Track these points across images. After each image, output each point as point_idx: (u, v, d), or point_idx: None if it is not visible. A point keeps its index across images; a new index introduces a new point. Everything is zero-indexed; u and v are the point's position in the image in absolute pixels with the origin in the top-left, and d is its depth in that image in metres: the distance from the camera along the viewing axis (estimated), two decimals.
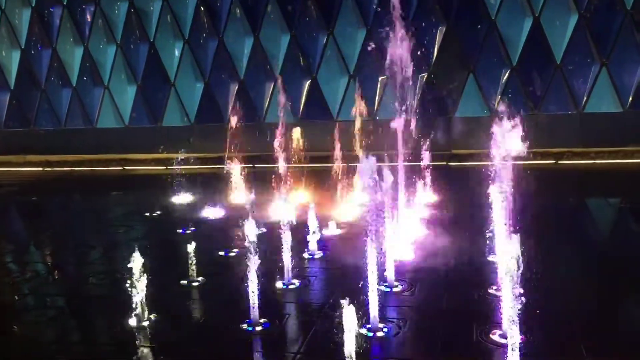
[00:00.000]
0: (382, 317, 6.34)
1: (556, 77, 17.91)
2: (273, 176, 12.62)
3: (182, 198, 13.74)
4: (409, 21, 18.14)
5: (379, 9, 18.57)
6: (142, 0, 20.87)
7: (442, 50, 18.38)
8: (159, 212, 12.71)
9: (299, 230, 8.80)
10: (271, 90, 19.95)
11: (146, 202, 14.11)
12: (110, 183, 18.50)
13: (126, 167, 20.41)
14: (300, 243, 8.77)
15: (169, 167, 18.76)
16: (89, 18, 21.54)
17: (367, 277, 6.22)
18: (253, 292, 6.44)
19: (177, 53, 20.89)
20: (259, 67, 20.02)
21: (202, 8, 20.40)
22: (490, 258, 8.09)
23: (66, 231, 12.09)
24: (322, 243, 9.22)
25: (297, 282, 7.69)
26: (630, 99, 17.58)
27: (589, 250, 9.18)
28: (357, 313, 5.32)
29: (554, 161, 17.28)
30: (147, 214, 12.62)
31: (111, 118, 21.74)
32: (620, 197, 13.01)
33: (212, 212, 12.16)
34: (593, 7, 17.47)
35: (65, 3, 21.55)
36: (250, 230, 6.56)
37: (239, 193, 13.33)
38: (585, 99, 17.89)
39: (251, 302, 6.45)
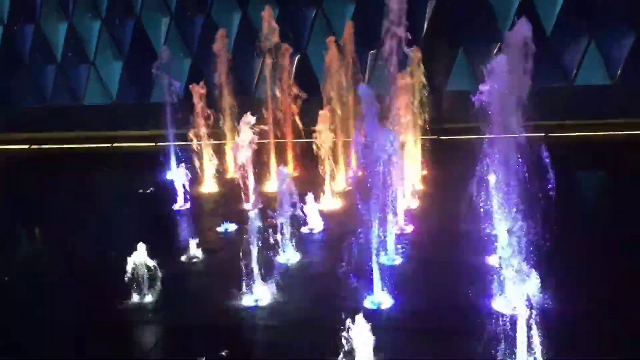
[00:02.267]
0: None
1: (546, 51, 17.89)
2: None
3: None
4: None
5: None
6: None
7: (432, 24, 18.27)
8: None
9: None
10: (260, 65, 19.75)
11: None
12: (101, 160, 18.30)
13: (115, 144, 20.18)
14: None
15: (157, 144, 18.66)
16: None
17: None
18: None
19: (163, 28, 20.58)
20: (248, 42, 19.76)
21: None
22: None
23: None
24: None
25: None
26: (619, 72, 17.66)
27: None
28: None
29: (543, 134, 17.36)
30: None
31: (98, 94, 21.46)
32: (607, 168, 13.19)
33: None
34: None
35: None
36: None
37: None
38: (574, 71, 17.94)
39: None
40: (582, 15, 17.44)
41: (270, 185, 11.92)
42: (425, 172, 12.35)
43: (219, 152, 13.49)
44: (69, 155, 19.24)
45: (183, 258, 8.44)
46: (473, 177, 7.37)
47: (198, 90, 13.16)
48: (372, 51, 18.40)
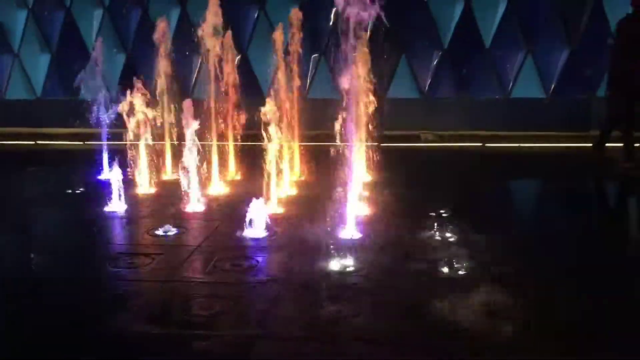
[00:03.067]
0: None
1: (485, 62, 18.26)
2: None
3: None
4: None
5: None
6: None
7: (375, 32, 18.21)
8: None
9: None
10: (198, 65, 19.12)
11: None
12: (25, 158, 17.10)
13: (39, 142, 18.97)
14: None
15: (86, 143, 17.67)
16: None
17: None
18: None
19: (95, 22, 19.56)
20: (186, 40, 19.06)
21: None
22: None
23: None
24: None
25: None
26: (553, 85, 18.23)
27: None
28: None
29: (481, 144, 17.65)
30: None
31: (21, 89, 20.12)
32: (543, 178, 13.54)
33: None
34: None
35: None
36: None
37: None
38: (511, 84, 18.37)
39: None
40: (520, 29, 17.91)
41: (213, 188, 11.40)
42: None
43: (156, 152, 12.79)
44: None
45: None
46: None
47: (135, 86, 12.40)
48: (314, 55, 18.20)
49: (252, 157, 12.56)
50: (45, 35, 19.76)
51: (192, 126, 10.00)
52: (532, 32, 17.98)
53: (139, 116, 12.38)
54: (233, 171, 12.67)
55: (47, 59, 19.86)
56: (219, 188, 11.47)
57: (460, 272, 6.96)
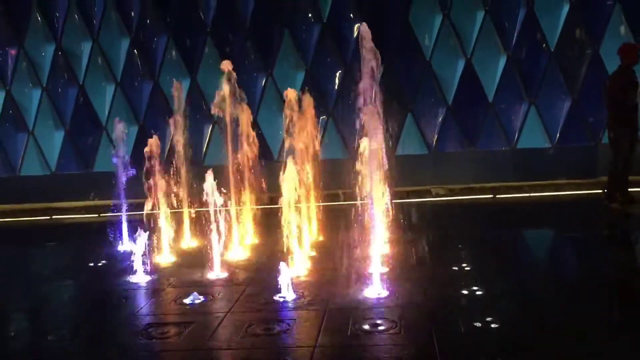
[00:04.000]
0: None
1: (489, 115, 18.65)
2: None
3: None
4: (347, 64, 18.52)
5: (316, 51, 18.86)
6: (70, 42, 20.10)
7: (382, 90, 18.70)
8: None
9: None
10: (209, 132, 19.59)
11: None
12: (43, 233, 17.25)
13: (54, 217, 19.19)
14: None
15: (101, 215, 17.88)
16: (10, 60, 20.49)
17: None
18: None
19: (108, 96, 20.15)
20: (196, 109, 19.59)
21: (135, 50, 19.89)
22: None
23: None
24: None
25: None
26: (558, 135, 18.54)
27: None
28: None
29: (491, 195, 17.79)
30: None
31: (36, 165, 20.53)
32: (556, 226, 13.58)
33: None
34: (520, 48, 18.47)
35: None
36: None
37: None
38: (517, 135, 18.69)
39: None
40: (521, 81, 18.39)
41: (234, 253, 11.48)
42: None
43: (174, 221, 12.95)
44: (3, 229, 18.11)
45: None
46: None
47: (153, 149, 12.71)
48: (322, 117, 18.61)
49: (269, 220, 12.75)
50: (59, 111, 20.31)
51: (212, 194, 10.19)
52: (533, 84, 18.44)
53: (155, 185, 12.65)
54: (252, 234, 12.77)
55: (61, 135, 20.34)
56: (239, 253, 11.55)
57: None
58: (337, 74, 19.23)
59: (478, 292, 8.25)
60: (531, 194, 17.49)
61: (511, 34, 18.40)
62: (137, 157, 20.27)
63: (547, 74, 18.27)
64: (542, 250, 12.23)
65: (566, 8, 17.99)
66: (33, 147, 20.53)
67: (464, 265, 9.64)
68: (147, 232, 11.94)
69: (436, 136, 18.95)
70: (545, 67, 18.26)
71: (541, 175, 17.94)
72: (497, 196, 17.69)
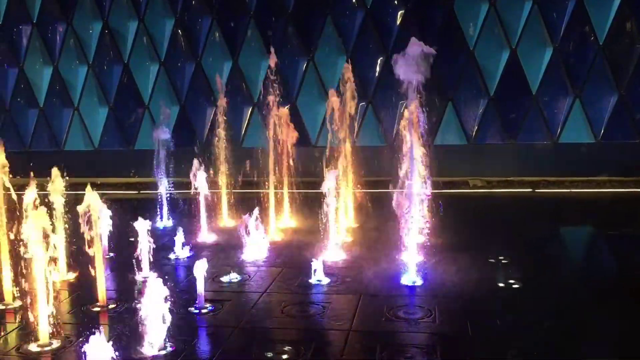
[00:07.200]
0: None
1: (532, 108, 18.34)
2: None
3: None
4: (389, 50, 18.40)
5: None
6: (116, 20, 20.46)
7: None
8: None
9: None
10: (249, 115, 19.75)
11: None
12: None
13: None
14: None
15: (141, 192, 18.29)
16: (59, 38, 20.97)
17: None
18: None
19: (152, 75, 20.48)
20: (237, 91, 19.77)
21: (179, 30, 20.13)
22: None
23: None
24: None
25: None
26: (602, 130, 18.12)
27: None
28: None
29: (530, 189, 17.53)
30: None
31: (79, 141, 21.07)
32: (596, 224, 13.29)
33: None
34: (567, 41, 18.05)
35: (34, 21, 20.91)
36: None
37: None
38: (559, 129, 18.34)
39: None
40: (567, 74, 18.00)
41: (271, 235, 11.60)
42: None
43: (212, 201, 13.15)
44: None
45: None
46: None
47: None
48: (362, 103, 18.57)
49: (305, 204, 12.87)
50: (103, 89, 20.74)
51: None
52: (579, 78, 18.03)
53: (196, 166, 12.82)
54: (289, 218, 12.88)
55: (104, 112, 20.79)
56: (276, 235, 11.69)
57: None
58: (379, 61, 19.11)
59: (515, 285, 8.22)
60: (572, 190, 17.19)
61: (559, 25, 17.98)
62: (177, 136, 20.68)
63: (594, 67, 17.83)
64: (582, 248, 12.05)
65: (617, 1, 17.48)
66: (78, 123, 21.03)
67: (501, 258, 9.57)
68: (186, 211, 12.24)
69: (476, 127, 18.73)
70: (593, 61, 17.82)
71: (583, 171, 17.57)
72: (536, 190, 17.43)
